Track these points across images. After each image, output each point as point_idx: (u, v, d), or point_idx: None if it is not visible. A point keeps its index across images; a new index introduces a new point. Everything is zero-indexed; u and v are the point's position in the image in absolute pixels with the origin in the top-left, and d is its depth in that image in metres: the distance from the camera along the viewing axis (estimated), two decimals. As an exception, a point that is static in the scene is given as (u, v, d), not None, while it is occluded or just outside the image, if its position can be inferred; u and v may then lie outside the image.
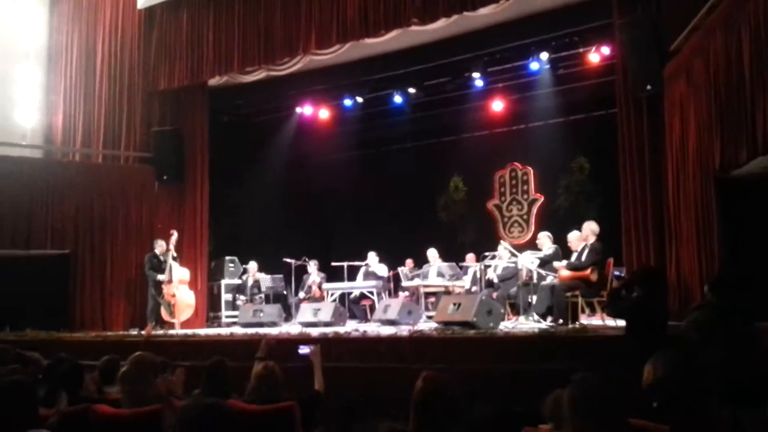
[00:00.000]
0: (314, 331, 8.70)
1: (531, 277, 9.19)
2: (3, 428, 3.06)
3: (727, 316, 5.01)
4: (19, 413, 3.12)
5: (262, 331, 9.32)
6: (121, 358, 5.16)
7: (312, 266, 12.08)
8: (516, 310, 9.38)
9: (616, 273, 8.67)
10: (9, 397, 3.14)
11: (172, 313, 10.62)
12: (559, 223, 10.82)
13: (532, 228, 12.82)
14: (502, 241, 10.72)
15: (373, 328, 8.96)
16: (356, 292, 11.51)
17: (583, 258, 8.42)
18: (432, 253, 11.09)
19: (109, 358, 5.26)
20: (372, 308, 11.06)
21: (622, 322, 6.30)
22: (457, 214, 13.82)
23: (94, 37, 12.24)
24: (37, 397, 3.53)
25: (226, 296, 12.15)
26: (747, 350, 4.95)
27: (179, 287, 10.75)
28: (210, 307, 12.09)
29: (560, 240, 9.32)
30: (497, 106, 12.67)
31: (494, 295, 9.66)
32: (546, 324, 8.24)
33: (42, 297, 10.68)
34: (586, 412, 2.57)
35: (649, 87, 8.12)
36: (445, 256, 11.17)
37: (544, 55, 10.98)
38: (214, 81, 11.87)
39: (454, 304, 8.29)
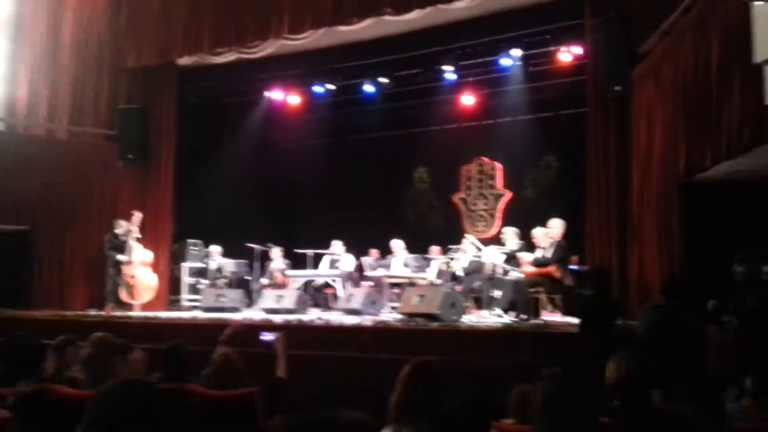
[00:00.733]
0: (277, 318, 8.67)
1: (495, 272, 9.26)
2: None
3: (678, 317, 5.16)
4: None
5: (224, 316, 9.26)
6: (80, 338, 5.09)
7: (276, 252, 12.01)
8: (479, 304, 9.46)
9: (571, 267, 8.77)
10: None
11: (131, 295, 10.48)
12: (524, 219, 10.91)
13: (497, 223, 12.89)
14: (467, 235, 10.78)
15: (336, 317, 8.96)
16: (320, 280, 11.48)
17: (549, 254, 8.51)
18: (397, 244, 11.09)
19: (65, 338, 5.18)
20: (335, 297, 11.05)
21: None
22: (423, 205, 13.86)
23: (62, 9, 11.93)
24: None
25: (188, 279, 12.01)
26: (697, 350, 5.11)
27: (140, 269, 10.61)
28: (171, 290, 11.94)
29: (524, 235, 9.41)
30: (467, 100, 12.70)
31: (458, 288, 9.72)
32: (509, 319, 8.33)
33: (-1, 273, 10.46)
34: (557, 407, 2.60)
35: (617, 88, 8.23)
36: (409, 248, 11.19)
37: (516, 52, 11.03)
38: (183, 61, 11.68)
39: (419, 296, 8.33)
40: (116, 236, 10.62)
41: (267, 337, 5.12)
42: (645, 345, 5.34)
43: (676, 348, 4.92)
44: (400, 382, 3.01)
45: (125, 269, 10.47)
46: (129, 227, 10.58)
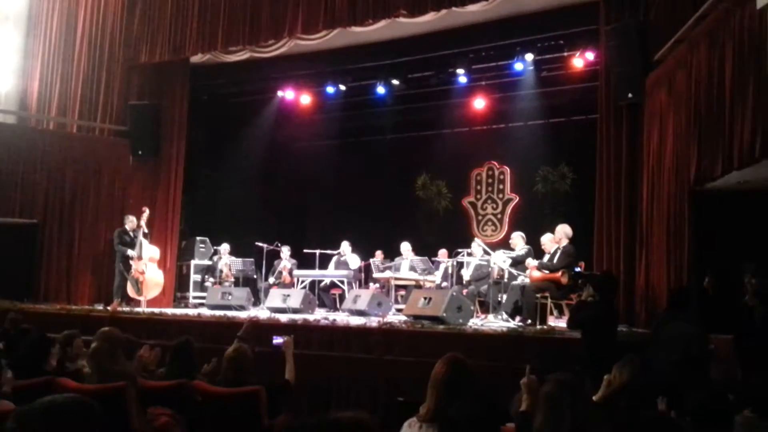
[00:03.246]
0: (283, 317, 8.68)
1: (502, 276, 9.25)
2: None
3: (682, 327, 5.16)
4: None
5: (229, 314, 9.27)
6: (86, 333, 5.11)
7: (284, 252, 12.03)
8: (485, 308, 9.44)
9: (577, 269, 8.75)
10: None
11: (139, 291, 10.50)
12: (533, 224, 10.89)
13: (506, 227, 12.88)
14: (476, 239, 10.76)
15: (342, 318, 8.96)
16: (327, 281, 11.49)
17: (555, 260, 8.49)
18: (405, 247, 11.09)
19: (69, 333, 5.20)
20: (342, 298, 11.06)
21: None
22: (431, 208, 13.85)
23: (76, 4, 11.99)
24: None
25: (195, 277, 12.04)
26: (702, 360, 5.10)
27: (148, 265, 10.63)
28: (178, 286, 11.98)
29: (532, 240, 9.38)
30: (479, 103, 12.68)
31: (465, 291, 9.70)
32: (514, 323, 8.31)
33: (7, 266, 10.50)
34: (562, 409, 2.61)
35: (630, 95, 8.20)
36: (417, 251, 11.19)
37: (529, 57, 10.99)
38: (196, 58, 11.72)
39: (425, 299, 8.32)
40: (125, 231, 10.65)
41: (278, 340, 5.15)
42: (651, 353, 5.35)
43: (682, 357, 4.92)
44: (435, 387, 2.98)
45: (134, 265, 10.50)
46: (138, 223, 10.61)
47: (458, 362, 3.09)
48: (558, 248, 8.55)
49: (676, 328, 5.28)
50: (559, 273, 8.33)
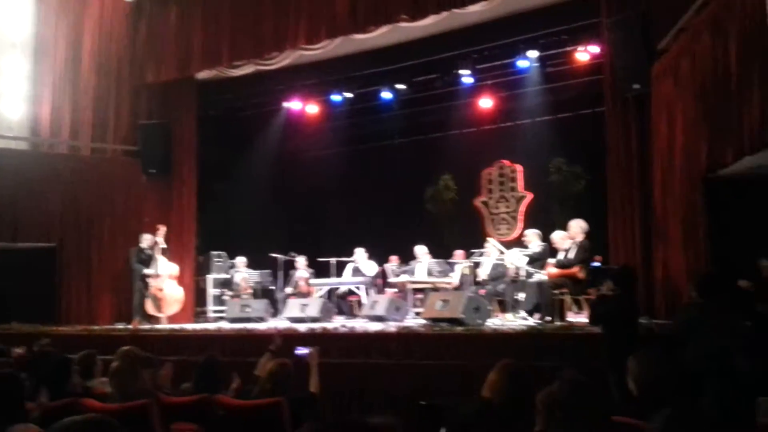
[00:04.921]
0: (302, 327, 8.71)
1: (519, 274, 9.22)
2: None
3: (715, 314, 5.08)
4: (8, 407, 3.10)
5: (249, 326, 9.31)
6: (108, 352, 5.15)
7: (300, 261, 12.06)
8: (503, 307, 9.41)
9: (594, 264, 8.71)
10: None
11: (158, 308, 10.58)
12: (546, 221, 10.87)
13: (520, 225, 12.84)
14: (490, 238, 10.74)
15: (360, 324, 8.97)
16: (343, 288, 11.51)
17: (571, 255, 8.46)
18: (420, 250, 11.08)
19: (87, 353, 5.24)
20: (359, 304, 11.07)
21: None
22: (444, 210, 13.83)
23: (81, 28, 12.13)
24: (23, 391, 3.52)
25: (213, 291, 12.11)
26: (731, 348, 5.03)
27: (168, 281, 10.71)
28: (197, 301, 12.04)
29: (546, 237, 9.36)
30: (485, 103, 12.67)
31: (482, 292, 9.69)
32: (533, 321, 8.29)
33: (28, 290, 10.61)
34: (571, 408, 2.59)
35: (636, 86, 8.17)
36: (431, 253, 11.18)
37: (533, 53, 11.01)
38: (202, 75, 11.82)
39: (442, 301, 8.32)
40: (142, 250, 10.74)
41: (301, 351, 5.14)
42: (674, 342, 5.29)
43: (709, 346, 4.86)
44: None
45: (152, 282, 10.57)
46: (154, 240, 10.69)
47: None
48: (573, 243, 8.52)
49: (714, 317, 5.15)
50: (576, 268, 8.30)
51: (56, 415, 3.80)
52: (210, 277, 12.15)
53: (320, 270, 12.03)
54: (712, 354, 4.73)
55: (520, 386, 2.96)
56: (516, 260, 9.30)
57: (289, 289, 11.84)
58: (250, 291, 11.89)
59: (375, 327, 8.37)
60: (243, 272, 12.07)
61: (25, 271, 10.81)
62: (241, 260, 12.21)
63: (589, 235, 8.56)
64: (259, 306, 10.68)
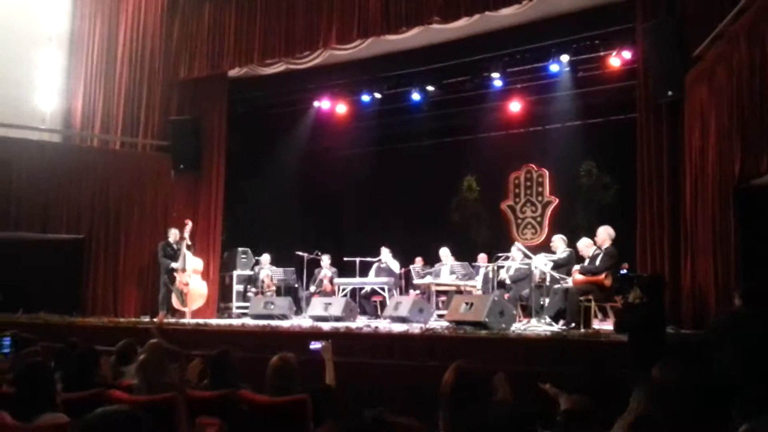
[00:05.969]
0: (325, 326, 8.73)
1: (544, 280, 9.16)
2: (22, 410, 3.08)
3: (759, 324, 4.98)
4: (39, 396, 3.14)
5: (272, 323, 9.35)
6: (138, 344, 5.19)
7: (324, 260, 12.10)
8: (528, 312, 9.36)
9: (622, 271, 8.62)
10: (29, 380, 3.16)
11: (183, 302, 10.67)
12: (572, 226, 10.79)
13: (546, 230, 12.78)
14: (516, 243, 10.69)
15: (384, 325, 8.97)
16: (367, 288, 11.52)
17: (598, 262, 8.38)
18: (444, 252, 11.07)
19: (127, 341, 5.30)
20: (383, 305, 11.08)
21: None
22: (470, 213, 13.80)
23: (116, 24, 12.29)
24: (54, 381, 3.56)
25: (237, 287, 12.19)
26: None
27: (192, 276, 10.80)
28: (221, 297, 12.13)
29: (572, 243, 9.28)
30: (515, 106, 12.63)
31: (506, 296, 9.64)
32: (558, 327, 8.23)
33: (56, 281, 10.77)
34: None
35: (670, 93, 8.07)
36: (456, 256, 11.16)
37: (565, 58, 10.92)
38: (233, 72, 11.90)
39: (467, 304, 8.29)
40: (169, 244, 10.85)
41: (315, 345, 5.15)
42: (705, 351, 5.19)
43: (752, 355, 4.76)
44: (444, 401, 2.89)
45: (178, 277, 10.67)
46: (182, 235, 10.79)
47: (464, 370, 2.91)
48: (599, 250, 8.44)
49: (759, 326, 5.04)
50: (603, 275, 8.22)
51: (83, 406, 3.86)
52: (235, 274, 12.24)
53: (344, 269, 12.06)
54: (755, 363, 4.64)
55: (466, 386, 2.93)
56: (542, 265, 9.24)
57: (312, 288, 11.89)
58: (274, 288, 11.95)
59: (398, 328, 8.36)
60: (267, 269, 12.14)
61: (54, 262, 10.97)
62: (265, 257, 12.29)
63: (615, 242, 8.47)
64: (283, 303, 10.73)
